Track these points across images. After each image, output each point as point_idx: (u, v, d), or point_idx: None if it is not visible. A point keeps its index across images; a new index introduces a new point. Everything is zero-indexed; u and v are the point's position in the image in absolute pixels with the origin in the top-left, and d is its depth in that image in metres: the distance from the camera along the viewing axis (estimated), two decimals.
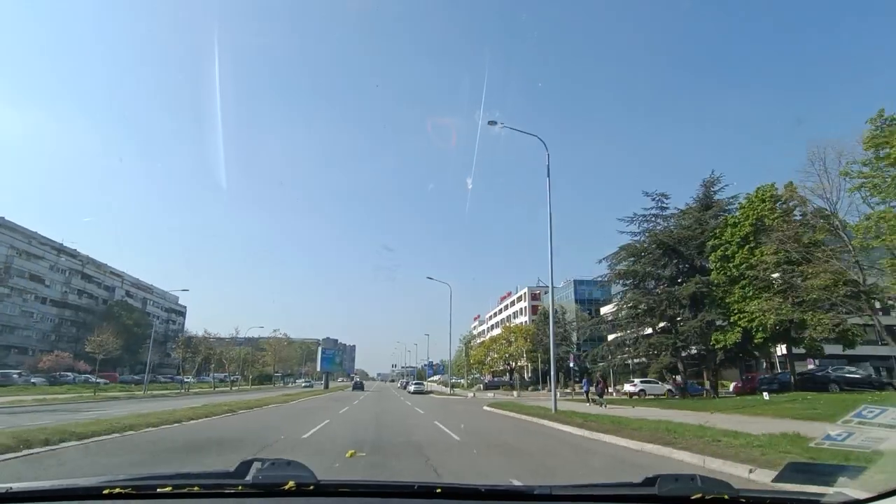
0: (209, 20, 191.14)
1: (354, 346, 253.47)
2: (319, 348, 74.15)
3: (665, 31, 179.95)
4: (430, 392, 51.99)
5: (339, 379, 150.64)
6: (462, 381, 74.65)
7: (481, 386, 60.58)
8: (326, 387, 66.30)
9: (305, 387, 67.77)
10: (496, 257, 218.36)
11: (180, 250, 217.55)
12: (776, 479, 1.78)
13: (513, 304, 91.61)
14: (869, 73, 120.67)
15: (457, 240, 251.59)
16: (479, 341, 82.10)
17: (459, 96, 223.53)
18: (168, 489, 1.48)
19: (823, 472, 1.70)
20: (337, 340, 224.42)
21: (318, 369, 73.54)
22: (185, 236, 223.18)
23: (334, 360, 74.64)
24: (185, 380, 61.03)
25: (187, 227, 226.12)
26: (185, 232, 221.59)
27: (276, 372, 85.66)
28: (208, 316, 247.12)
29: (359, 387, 66.75)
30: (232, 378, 69.44)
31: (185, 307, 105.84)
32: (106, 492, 1.45)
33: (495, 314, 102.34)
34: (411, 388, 52.36)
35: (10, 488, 1.43)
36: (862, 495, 1.48)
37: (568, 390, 43.58)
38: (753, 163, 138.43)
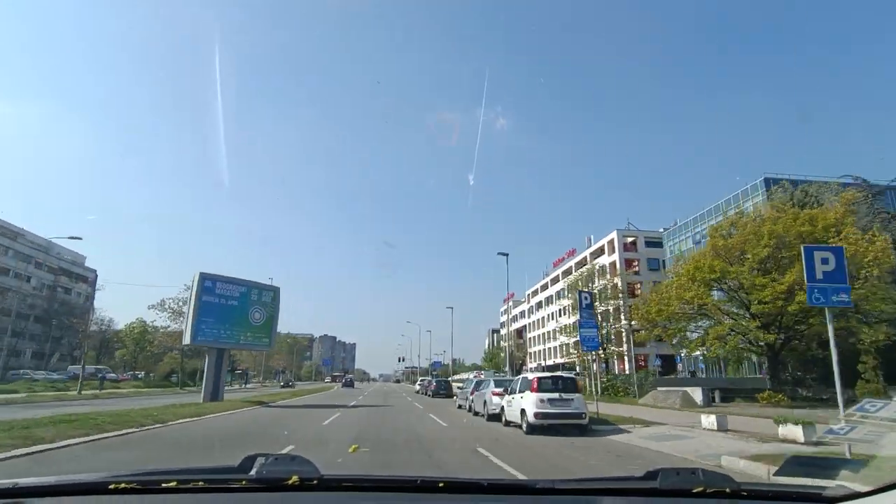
0: (209, 18, 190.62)
1: (355, 343, 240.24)
2: (195, 277, 22.50)
3: (664, 22, 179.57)
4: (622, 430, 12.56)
5: (327, 378, 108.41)
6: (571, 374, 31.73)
7: (700, 397, 21.34)
8: (216, 396, 21.89)
9: None
10: (500, 248, 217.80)
11: (179, 248, 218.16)
12: (778, 473, 1.78)
13: (583, 262, 62.21)
14: None
15: (459, 234, 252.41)
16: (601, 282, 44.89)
17: (462, 92, 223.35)
18: (173, 484, 1.49)
19: (825, 465, 1.71)
20: (336, 338, 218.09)
21: (188, 340, 22.81)
22: (184, 236, 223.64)
23: (246, 313, 23.75)
24: None
25: (186, 224, 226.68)
26: (185, 232, 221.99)
27: (239, 368, 61.60)
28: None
29: (349, 384, 54.86)
30: (109, 376, 40.18)
31: (93, 271, 64.91)
32: (111, 486, 1.46)
33: (546, 286, 75.48)
34: (534, 402, 11.88)
35: (17, 483, 1.45)
36: (863, 488, 1.48)
37: None
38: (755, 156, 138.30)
